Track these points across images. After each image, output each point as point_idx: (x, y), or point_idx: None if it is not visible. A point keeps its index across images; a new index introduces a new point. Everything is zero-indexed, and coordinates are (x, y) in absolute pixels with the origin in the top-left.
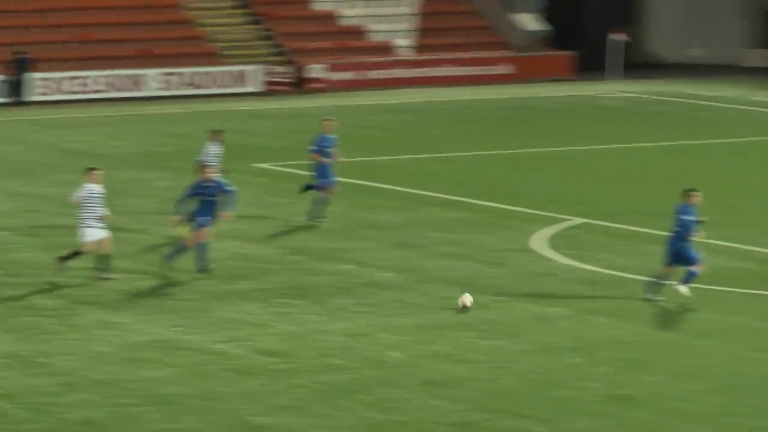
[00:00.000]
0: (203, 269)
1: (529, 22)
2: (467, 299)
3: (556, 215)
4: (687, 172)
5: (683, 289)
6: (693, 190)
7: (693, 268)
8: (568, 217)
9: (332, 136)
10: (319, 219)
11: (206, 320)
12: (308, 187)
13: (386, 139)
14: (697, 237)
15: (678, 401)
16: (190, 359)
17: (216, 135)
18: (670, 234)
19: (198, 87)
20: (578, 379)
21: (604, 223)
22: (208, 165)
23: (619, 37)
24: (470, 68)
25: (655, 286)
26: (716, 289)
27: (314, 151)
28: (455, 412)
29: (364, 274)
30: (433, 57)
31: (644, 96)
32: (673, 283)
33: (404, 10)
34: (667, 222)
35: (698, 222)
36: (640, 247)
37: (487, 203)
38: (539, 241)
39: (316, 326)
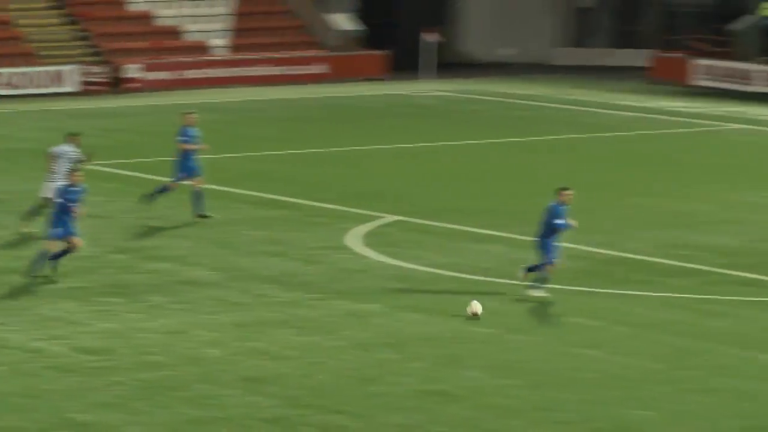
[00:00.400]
0: (35, 274)
1: (343, 22)
2: (477, 307)
3: (371, 213)
4: (504, 170)
5: (535, 293)
6: (565, 188)
7: (541, 271)
8: (383, 215)
9: (194, 128)
10: (204, 213)
11: (26, 318)
12: (157, 192)
13: (203, 139)
14: (569, 230)
15: (494, 396)
16: (10, 357)
17: (72, 138)
18: (539, 230)
19: (16, 87)
20: (392, 374)
21: (419, 220)
22: (75, 169)
23: (431, 37)
24: (285, 68)
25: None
26: (524, 285)
27: (183, 142)
28: (272, 407)
29: (182, 272)
30: (248, 57)
31: (458, 95)
32: (527, 283)
33: (220, 10)
34: (483, 220)
35: (566, 221)
36: (454, 245)
37: (302, 201)
38: (354, 239)
39: (135, 324)
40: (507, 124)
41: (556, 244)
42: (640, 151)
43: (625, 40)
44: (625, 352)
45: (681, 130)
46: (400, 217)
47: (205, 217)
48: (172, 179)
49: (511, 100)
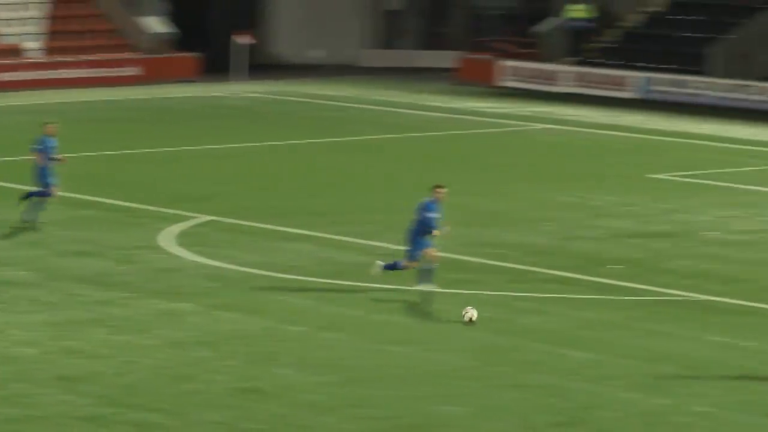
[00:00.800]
0: None
1: (155, 24)
2: (472, 313)
3: (185, 213)
4: (315, 171)
5: (377, 267)
6: (439, 186)
7: (402, 262)
8: (196, 215)
9: (53, 138)
10: (33, 221)
11: None
12: (30, 195)
13: (18, 140)
14: (441, 232)
15: (306, 393)
16: None
17: None
18: (412, 227)
19: None
20: (207, 372)
21: (232, 220)
22: None
23: (243, 39)
24: (99, 70)
25: (426, 276)
26: (339, 284)
27: (38, 151)
28: (87, 406)
29: None
30: (62, 59)
31: (269, 96)
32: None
33: (33, 13)
34: (295, 219)
35: (439, 218)
36: (267, 244)
37: (115, 202)
38: (167, 239)
39: None
40: (317, 124)
41: (427, 240)
42: (450, 151)
43: (433, 41)
44: (435, 349)
45: (489, 130)
46: (213, 217)
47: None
48: (44, 188)
49: (321, 101)
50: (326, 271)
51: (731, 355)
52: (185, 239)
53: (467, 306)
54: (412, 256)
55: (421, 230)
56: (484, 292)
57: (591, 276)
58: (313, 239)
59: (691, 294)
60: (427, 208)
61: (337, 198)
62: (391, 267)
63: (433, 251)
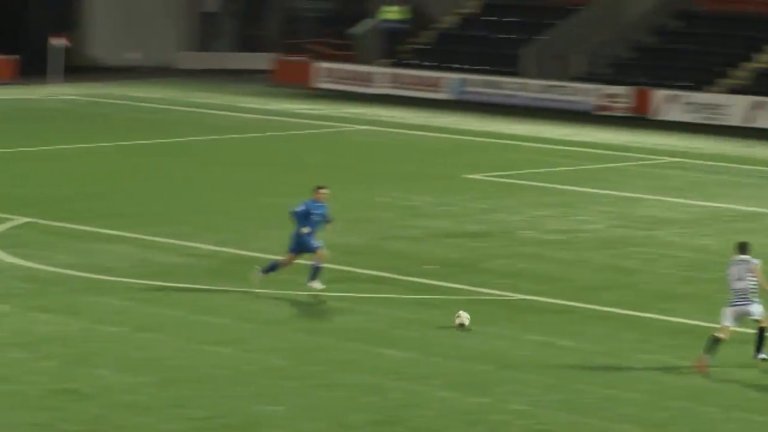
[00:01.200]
0: None
1: None
2: (464, 318)
3: (1, 215)
4: (133, 172)
5: (315, 284)
6: (321, 186)
7: (315, 262)
8: (13, 217)
9: None
10: None
11: None
12: None
13: None
14: (329, 229)
15: (125, 394)
16: None
17: None
18: (297, 225)
19: None
20: (24, 373)
21: (49, 222)
22: None
23: (59, 42)
24: None
25: (270, 269)
26: (156, 284)
27: None
28: None
29: None
30: None
31: (86, 98)
32: (306, 282)
33: None
34: (111, 221)
35: (323, 216)
36: (84, 245)
37: None
38: None
39: None
40: (134, 126)
41: (312, 236)
42: (266, 152)
43: (249, 43)
44: (253, 349)
45: (305, 131)
46: (30, 219)
47: None
48: None
49: (138, 104)
50: (143, 272)
51: (548, 354)
52: (2, 241)
53: (459, 311)
54: (317, 248)
55: (312, 231)
56: (301, 292)
57: (407, 276)
58: (129, 240)
59: (507, 293)
60: (308, 206)
61: (153, 199)
62: (315, 274)
63: (324, 250)
